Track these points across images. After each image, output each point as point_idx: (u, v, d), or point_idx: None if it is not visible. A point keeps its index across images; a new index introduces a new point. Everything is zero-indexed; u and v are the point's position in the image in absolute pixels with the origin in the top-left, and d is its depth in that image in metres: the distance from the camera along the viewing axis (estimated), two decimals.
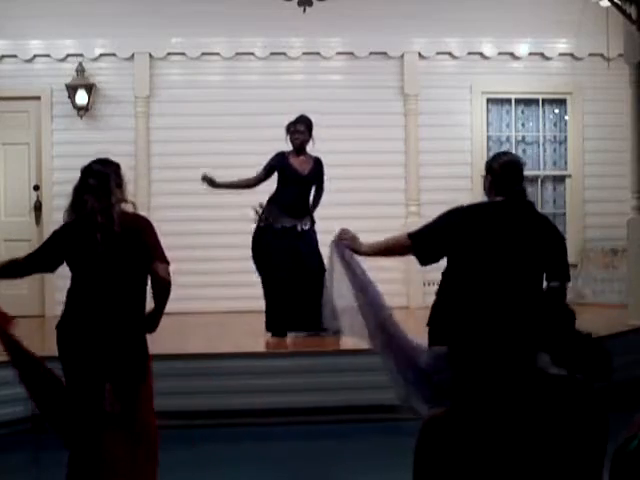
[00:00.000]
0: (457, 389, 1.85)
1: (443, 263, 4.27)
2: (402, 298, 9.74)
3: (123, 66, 9.93)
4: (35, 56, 9.85)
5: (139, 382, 4.28)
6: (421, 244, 4.23)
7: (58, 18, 9.66)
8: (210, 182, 7.84)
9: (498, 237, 4.15)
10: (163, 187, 9.85)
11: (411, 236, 4.26)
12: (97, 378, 4.21)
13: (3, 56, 9.84)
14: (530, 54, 10.29)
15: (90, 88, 9.75)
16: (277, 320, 7.69)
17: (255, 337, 7.78)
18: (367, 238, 4.34)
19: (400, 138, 10.13)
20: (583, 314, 3.83)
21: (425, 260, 4.27)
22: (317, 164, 7.91)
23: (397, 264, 9.89)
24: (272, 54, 10.06)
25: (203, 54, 10.02)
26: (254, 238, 7.82)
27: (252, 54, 10.07)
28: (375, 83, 10.10)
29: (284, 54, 10.09)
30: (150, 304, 4.33)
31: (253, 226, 7.81)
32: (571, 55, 10.30)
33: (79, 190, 4.31)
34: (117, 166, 4.43)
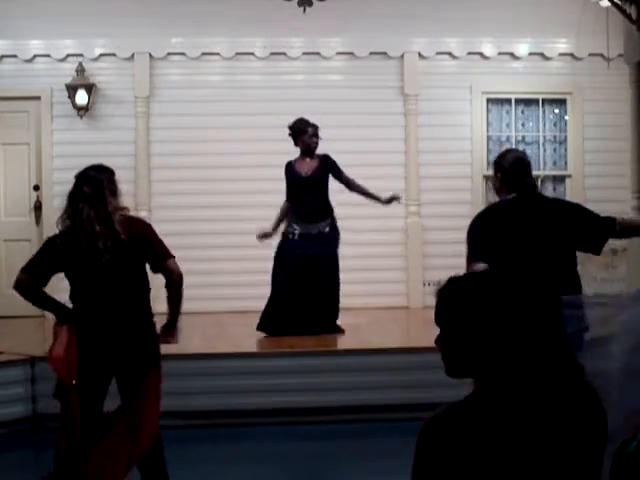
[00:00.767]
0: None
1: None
2: (402, 298, 9.73)
3: (123, 66, 9.91)
4: (35, 56, 9.83)
5: (152, 365, 4.40)
6: (474, 255, 4.28)
7: (58, 18, 9.64)
8: (265, 235, 7.89)
9: (527, 230, 4.29)
10: (163, 187, 9.84)
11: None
12: (107, 373, 4.29)
13: (3, 56, 9.83)
14: (530, 54, 10.26)
15: (90, 88, 9.74)
16: (271, 320, 7.70)
17: (255, 337, 7.79)
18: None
19: (400, 138, 10.11)
20: None
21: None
22: (322, 162, 7.89)
23: (397, 264, 9.93)
24: (272, 54, 10.04)
25: (203, 54, 10.00)
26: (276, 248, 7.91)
27: (252, 54, 10.05)
28: (375, 83, 10.08)
29: (284, 54, 10.07)
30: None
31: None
32: (571, 55, 10.28)
33: (73, 197, 4.32)
34: (111, 172, 4.43)
